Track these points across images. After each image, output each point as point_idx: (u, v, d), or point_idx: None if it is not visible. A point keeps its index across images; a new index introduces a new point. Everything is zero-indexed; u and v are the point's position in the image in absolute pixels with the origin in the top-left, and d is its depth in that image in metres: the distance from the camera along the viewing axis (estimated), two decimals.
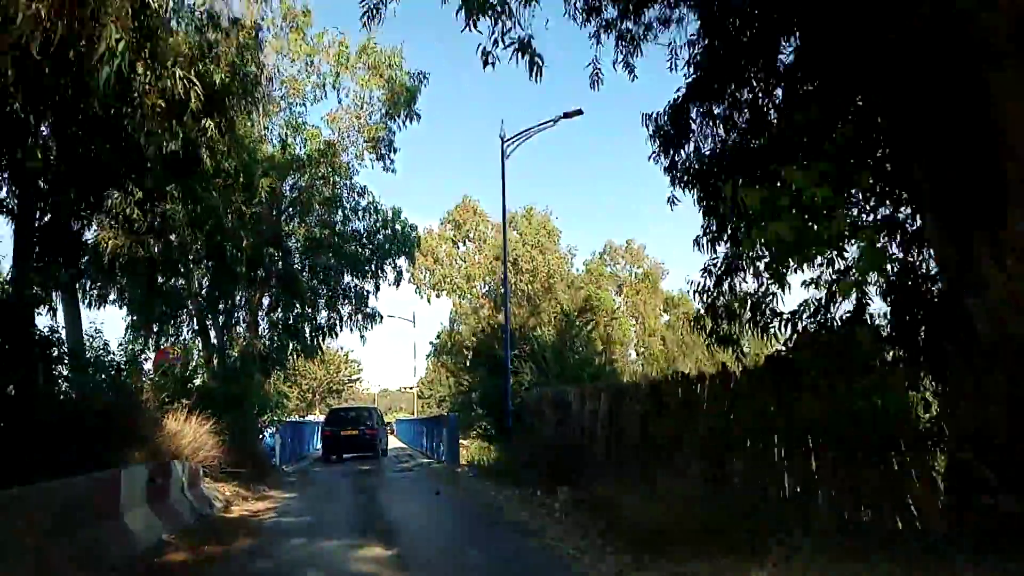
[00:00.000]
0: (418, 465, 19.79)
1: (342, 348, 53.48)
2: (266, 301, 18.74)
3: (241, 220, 15.51)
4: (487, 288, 48.86)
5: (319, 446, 32.99)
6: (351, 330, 19.22)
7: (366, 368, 71.17)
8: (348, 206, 18.39)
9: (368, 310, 19.12)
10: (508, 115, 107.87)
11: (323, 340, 19.31)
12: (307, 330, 19.12)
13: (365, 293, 19.42)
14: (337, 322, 19.38)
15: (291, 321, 18.60)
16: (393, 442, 35.98)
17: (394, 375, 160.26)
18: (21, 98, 7.97)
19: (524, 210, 48.08)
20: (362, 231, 18.66)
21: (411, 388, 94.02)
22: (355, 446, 22.09)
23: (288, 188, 18.68)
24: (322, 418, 49.21)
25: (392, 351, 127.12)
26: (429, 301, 47.04)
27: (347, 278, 19.45)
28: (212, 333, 17.53)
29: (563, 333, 18.01)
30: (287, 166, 17.40)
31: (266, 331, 18.54)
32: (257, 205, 15.88)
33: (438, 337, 56.43)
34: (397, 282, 19.28)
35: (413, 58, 31.22)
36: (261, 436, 18.83)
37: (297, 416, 56.39)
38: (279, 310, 18.59)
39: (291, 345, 18.98)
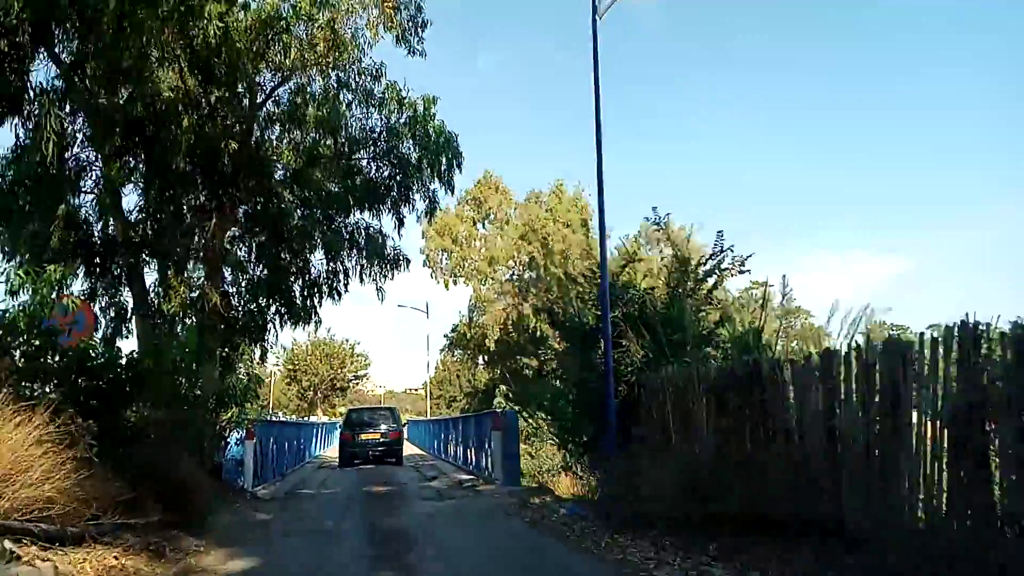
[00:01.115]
0: (455, 485, 13.17)
1: (348, 340, 46.72)
2: (234, 243, 12.12)
3: (182, 85, 8.91)
4: (511, 274, 42.24)
5: (319, 453, 26.51)
6: (362, 281, 12.59)
7: (372, 365, 63.90)
8: (359, 92, 11.68)
9: (388, 252, 12.48)
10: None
11: (319, 301, 12.72)
12: (296, 286, 12.51)
13: (381, 236, 12.79)
14: (341, 275, 12.77)
15: (269, 271, 12.00)
16: (407, 448, 29.17)
17: (399, 376, 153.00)
18: None
19: (554, 185, 41.56)
20: (378, 129, 11.98)
21: (417, 389, 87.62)
22: (377, 451, 19.27)
23: (268, 80, 12.10)
24: (324, 419, 42.83)
25: (397, 350, 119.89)
26: (447, 287, 40.38)
27: (356, 216, 12.83)
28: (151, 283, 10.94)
29: (678, 288, 11.35)
30: (263, 26, 10.78)
31: (235, 284, 11.90)
32: (207, 60, 9.30)
33: (453, 330, 49.75)
34: (430, 214, 12.57)
35: None
36: (224, 443, 12.26)
37: (298, 417, 49.72)
38: (255, 256, 12.00)
39: (273, 307, 12.37)
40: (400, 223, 12.30)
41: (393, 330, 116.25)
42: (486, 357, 45.76)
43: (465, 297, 54.43)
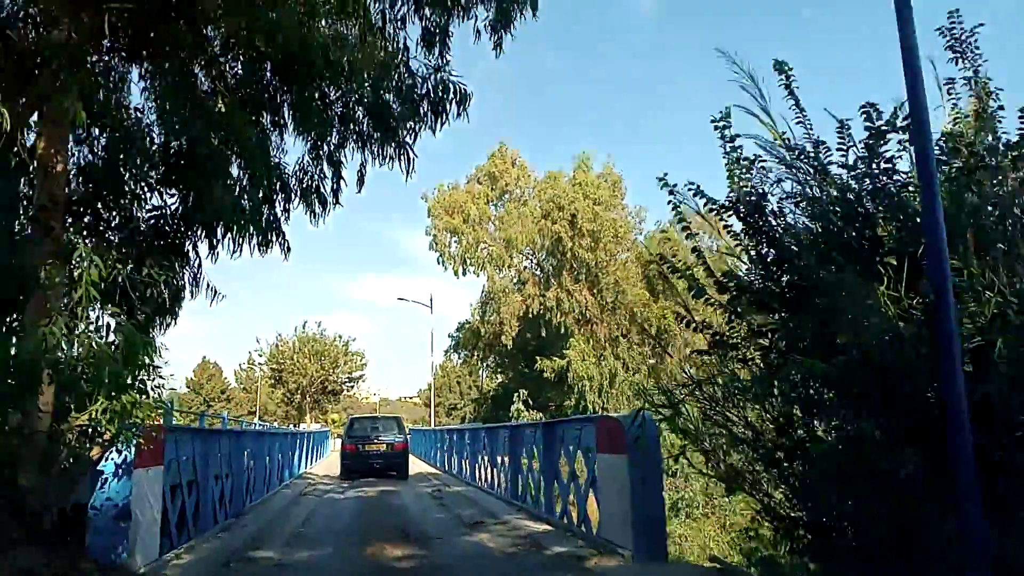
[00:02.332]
0: (531, 550, 7.03)
1: (340, 336, 40.38)
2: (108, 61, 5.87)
3: None
4: (530, 262, 36.11)
5: (303, 470, 20.44)
6: (375, 156, 6.36)
7: (368, 365, 55.86)
8: None
9: (419, 83, 6.25)
10: None
11: (286, 206, 6.58)
12: (244, 177, 6.35)
13: (406, 70, 6.60)
14: (324, 163, 6.65)
15: (181, 130, 5.84)
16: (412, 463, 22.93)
17: (393, 384, 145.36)
18: None
19: (578, 159, 35.48)
20: None
21: (412, 397, 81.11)
22: (382, 463, 17.81)
23: None
24: (316, 427, 36.66)
25: (391, 357, 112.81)
26: (456, 274, 34.11)
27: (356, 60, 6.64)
28: None
29: (977, 168, 5.15)
30: None
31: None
32: None
33: (460, 328, 43.50)
34: (499, 31, 6.33)
35: None
36: (98, 474, 6.10)
37: (285, 425, 43.30)
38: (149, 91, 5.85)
39: (191, 209, 6.20)
40: (443, 41, 6.13)
41: (387, 336, 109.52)
42: (497, 358, 39.69)
43: (475, 293, 48.40)
